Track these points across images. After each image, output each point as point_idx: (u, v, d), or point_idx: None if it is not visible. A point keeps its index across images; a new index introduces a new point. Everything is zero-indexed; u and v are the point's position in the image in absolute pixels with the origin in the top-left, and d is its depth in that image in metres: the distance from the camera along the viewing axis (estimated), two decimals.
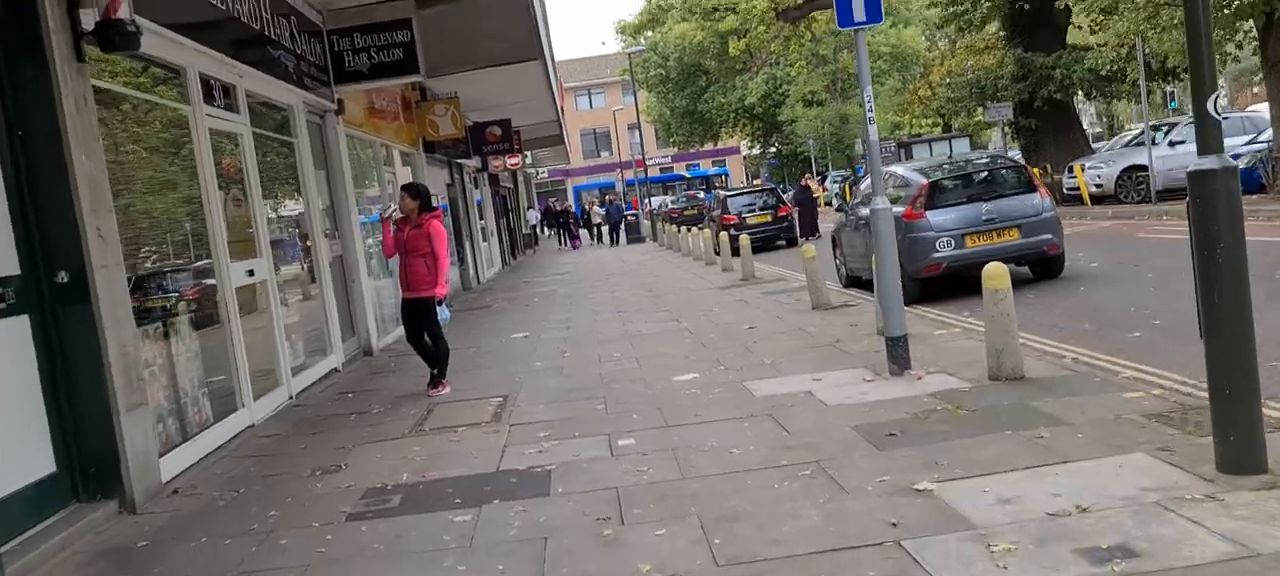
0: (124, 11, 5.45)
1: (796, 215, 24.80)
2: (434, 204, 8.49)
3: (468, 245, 22.03)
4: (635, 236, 36.20)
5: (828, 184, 44.01)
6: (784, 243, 24.05)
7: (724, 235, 18.94)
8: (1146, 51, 18.57)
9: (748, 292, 13.90)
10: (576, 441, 6.09)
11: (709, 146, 60.27)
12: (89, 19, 5.46)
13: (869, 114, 6.79)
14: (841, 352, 8.20)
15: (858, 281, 13.43)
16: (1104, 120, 60.53)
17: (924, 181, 11.32)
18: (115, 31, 5.44)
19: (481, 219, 25.69)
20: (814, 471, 4.87)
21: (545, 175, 63.71)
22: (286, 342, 8.73)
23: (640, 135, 41.88)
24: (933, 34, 47.54)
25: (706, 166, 68.19)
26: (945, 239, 10.93)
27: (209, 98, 7.66)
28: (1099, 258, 12.81)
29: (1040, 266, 11.49)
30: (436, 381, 8.39)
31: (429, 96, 18.02)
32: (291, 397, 8.64)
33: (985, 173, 11.95)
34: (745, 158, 69.61)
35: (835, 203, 37.79)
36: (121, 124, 6.48)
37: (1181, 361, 6.61)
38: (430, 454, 6.20)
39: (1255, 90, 63.30)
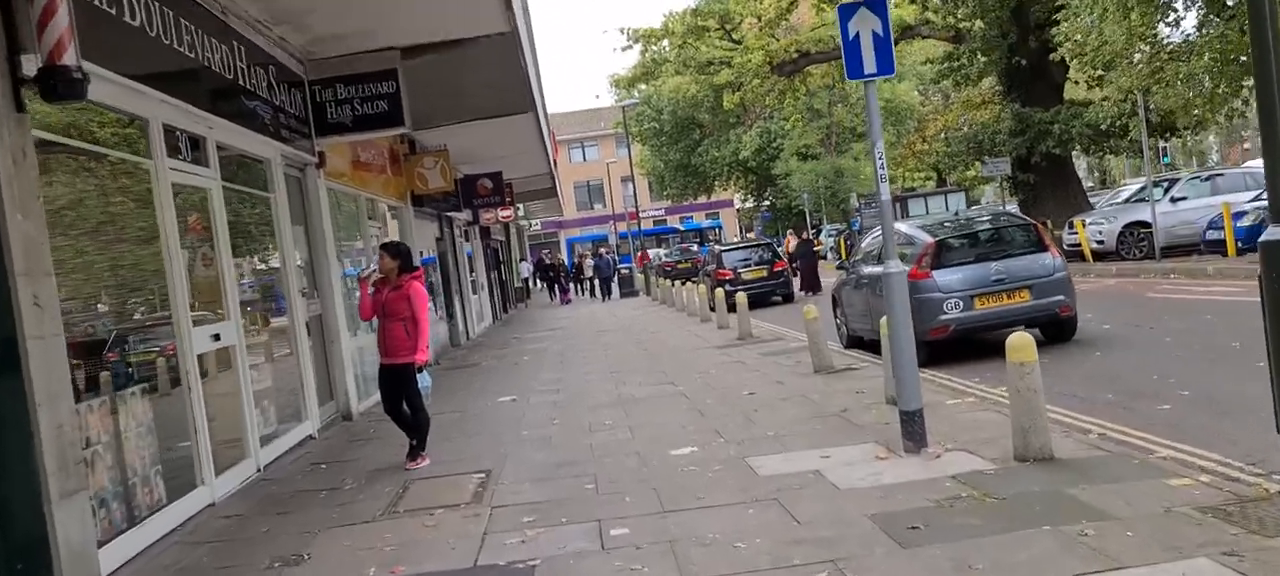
0: (70, 58, 4.95)
1: (798, 270, 24.28)
2: (416, 263, 7.97)
3: (457, 300, 21.52)
4: (629, 290, 35.70)
5: (822, 238, 43.69)
6: (780, 298, 23.57)
7: (720, 291, 18.45)
8: (1150, 107, 18.26)
9: (745, 353, 13.37)
10: (564, 529, 5.53)
11: (702, 199, 60.07)
12: (31, 65, 4.97)
13: (881, 171, 6.32)
14: (849, 424, 7.66)
15: (860, 342, 12.93)
16: (1095, 174, 60.59)
17: (930, 240, 10.86)
18: (59, 79, 4.94)
19: (472, 272, 25.21)
20: (830, 574, 4.32)
21: (538, 227, 63.40)
22: (256, 410, 8.16)
23: (634, 187, 41.56)
24: (926, 88, 47.61)
25: (700, 219, 68.04)
26: (953, 300, 10.44)
27: (174, 150, 7.16)
28: (1110, 319, 12.33)
29: (1052, 329, 10.99)
30: (415, 453, 7.82)
31: (418, 149, 17.61)
32: (259, 470, 8.05)
33: (994, 230, 11.49)
34: (738, 211, 69.45)
35: (830, 257, 37.43)
36: (70, 178, 5.98)
37: (1220, 440, 6.11)
38: (402, 542, 5.62)
39: (1247, 146, 63.45)
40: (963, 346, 10.71)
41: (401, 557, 5.31)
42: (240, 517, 6.67)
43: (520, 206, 39.70)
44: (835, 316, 13.88)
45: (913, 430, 6.36)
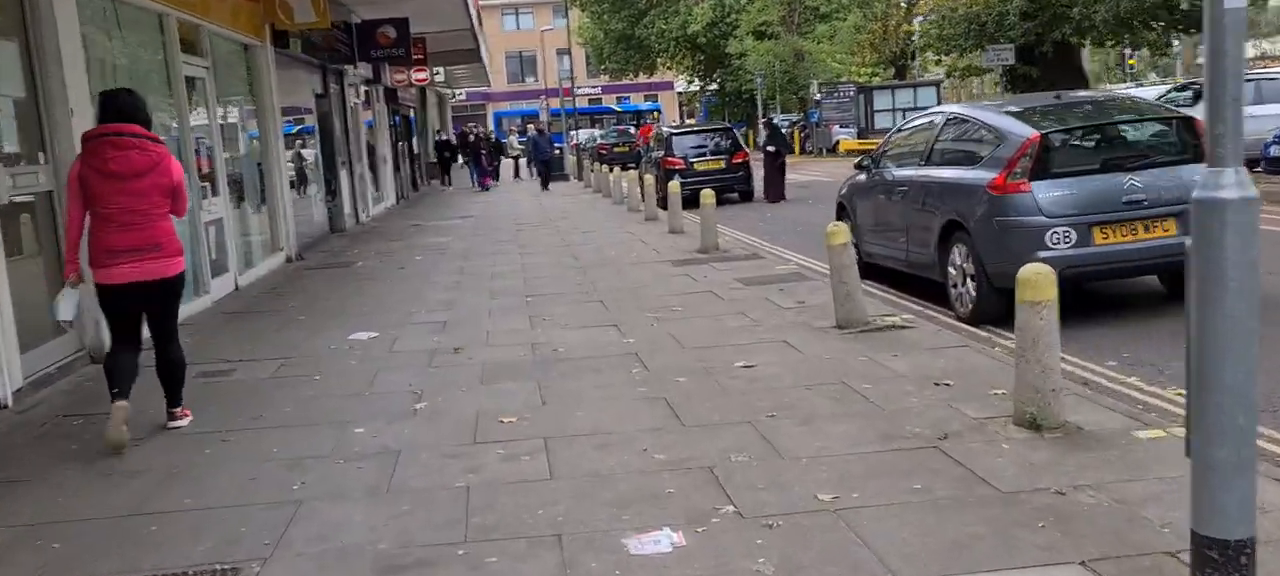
0: None
1: (764, 164, 19.61)
2: (106, 117, 3.94)
3: (343, 175, 17.22)
4: (559, 174, 31.39)
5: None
6: (737, 195, 19.67)
7: (674, 185, 14.51)
8: None
9: (716, 275, 9.56)
10: None
11: (643, 78, 55.44)
12: None
13: None
14: (974, 480, 3.89)
15: (873, 269, 9.22)
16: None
17: (1031, 133, 7.02)
18: None
19: (371, 143, 20.81)
20: None
21: (463, 97, 58.09)
22: None
23: (571, 61, 36.87)
24: None
25: (638, 100, 63.45)
26: (1061, 230, 6.70)
27: None
28: None
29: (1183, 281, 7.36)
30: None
31: None
32: None
33: (1125, 123, 7.69)
34: (681, 94, 64.94)
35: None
36: None
37: None
38: None
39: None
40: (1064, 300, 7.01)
41: None
42: None
43: (440, 70, 34.90)
44: None
45: None
